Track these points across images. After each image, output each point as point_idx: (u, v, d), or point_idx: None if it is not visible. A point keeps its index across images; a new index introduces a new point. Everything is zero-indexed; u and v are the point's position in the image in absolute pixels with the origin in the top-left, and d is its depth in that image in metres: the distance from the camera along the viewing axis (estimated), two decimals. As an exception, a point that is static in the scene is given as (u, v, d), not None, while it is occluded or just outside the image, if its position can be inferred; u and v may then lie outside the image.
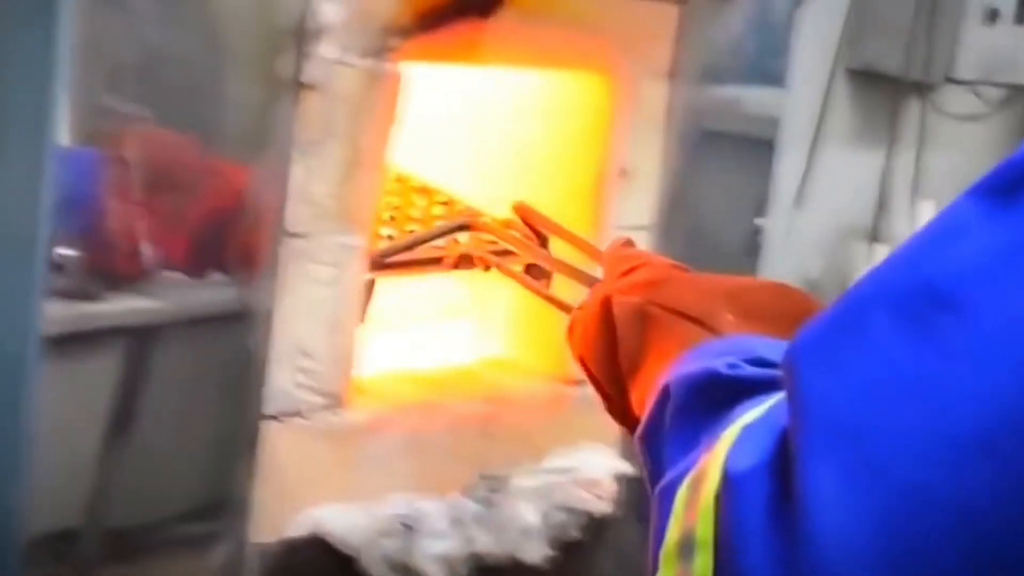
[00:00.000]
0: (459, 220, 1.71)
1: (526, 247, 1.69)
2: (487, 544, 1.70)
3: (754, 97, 2.10)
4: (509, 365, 1.88)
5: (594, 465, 1.84)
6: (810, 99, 3.29)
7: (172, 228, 1.41)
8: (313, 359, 1.55)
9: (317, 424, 1.58)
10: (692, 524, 0.71)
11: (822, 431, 0.63)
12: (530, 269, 1.74)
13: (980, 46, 3.31)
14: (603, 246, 1.70)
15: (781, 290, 1.09)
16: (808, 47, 3.20)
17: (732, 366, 0.83)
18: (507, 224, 1.71)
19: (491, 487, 1.74)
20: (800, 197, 3.13)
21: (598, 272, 1.24)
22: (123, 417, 1.38)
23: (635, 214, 1.87)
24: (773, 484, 0.65)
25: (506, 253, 1.76)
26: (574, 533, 1.80)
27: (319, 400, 1.57)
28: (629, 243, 1.30)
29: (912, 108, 3.48)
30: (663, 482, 0.77)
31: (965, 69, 3.57)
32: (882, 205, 3.57)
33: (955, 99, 3.74)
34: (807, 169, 3.20)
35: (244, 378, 1.48)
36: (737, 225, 1.96)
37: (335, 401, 1.58)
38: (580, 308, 1.28)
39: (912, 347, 0.61)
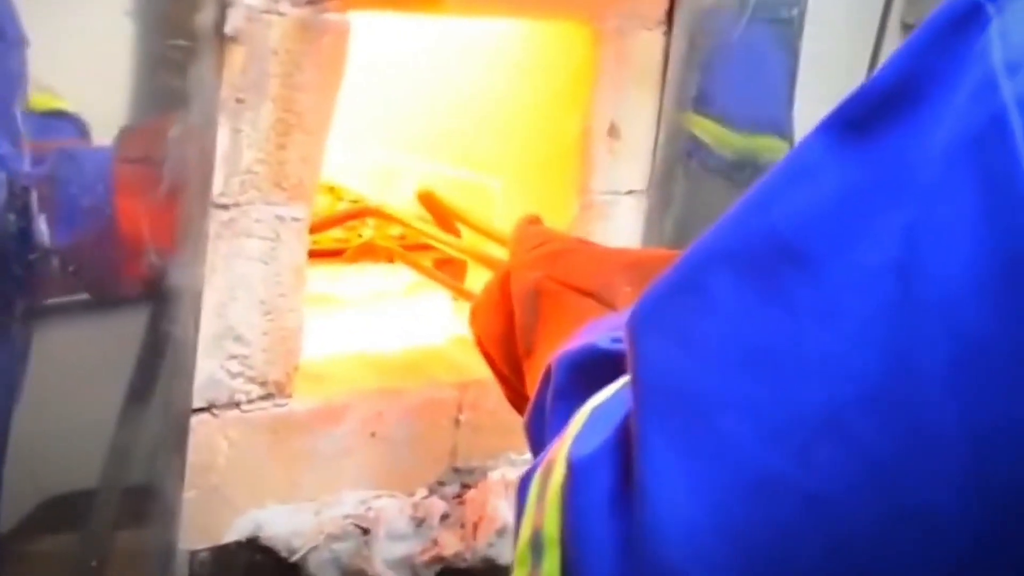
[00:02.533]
0: (362, 207, 1.58)
1: (433, 235, 1.56)
2: (456, 546, 1.54)
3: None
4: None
5: (584, 455, 1.68)
6: (852, 54, 3.11)
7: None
8: (248, 344, 1.39)
9: (256, 416, 1.42)
10: (541, 520, 0.66)
11: (661, 406, 0.57)
12: (442, 265, 1.60)
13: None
14: (586, 215, 1.57)
15: None
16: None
17: (616, 340, 0.75)
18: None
19: (465, 481, 1.58)
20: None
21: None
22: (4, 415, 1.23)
23: (625, 178, 1.69)
24: (615, 471, 0.60)
25: (417, 247, 1.63)
26: (558, 531, 1.64)
27: (256, 390, 1.41)
28: (536, 220, 1.19)
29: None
30: (522, 474, 0.72)
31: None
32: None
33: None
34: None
35: (168, 367, 1.32)
36: (743, 190, 1.78)
37: (275, 390, 1.42)
38: (484, 291, 1.19)
39: (758, 309, 0.55)
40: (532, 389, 0.90)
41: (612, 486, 0.60)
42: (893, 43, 3.21)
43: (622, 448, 0.60)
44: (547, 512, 0.65)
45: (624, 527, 0.58)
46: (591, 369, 0.75)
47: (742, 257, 0.57)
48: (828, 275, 0.53)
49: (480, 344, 1.18)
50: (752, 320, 0.55)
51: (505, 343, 1.08)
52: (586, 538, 0.61)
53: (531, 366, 1.00)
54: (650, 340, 0.60)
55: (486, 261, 1.57)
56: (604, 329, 0.80)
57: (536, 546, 0.66)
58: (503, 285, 1.11)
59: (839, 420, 0.51)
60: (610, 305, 0.94)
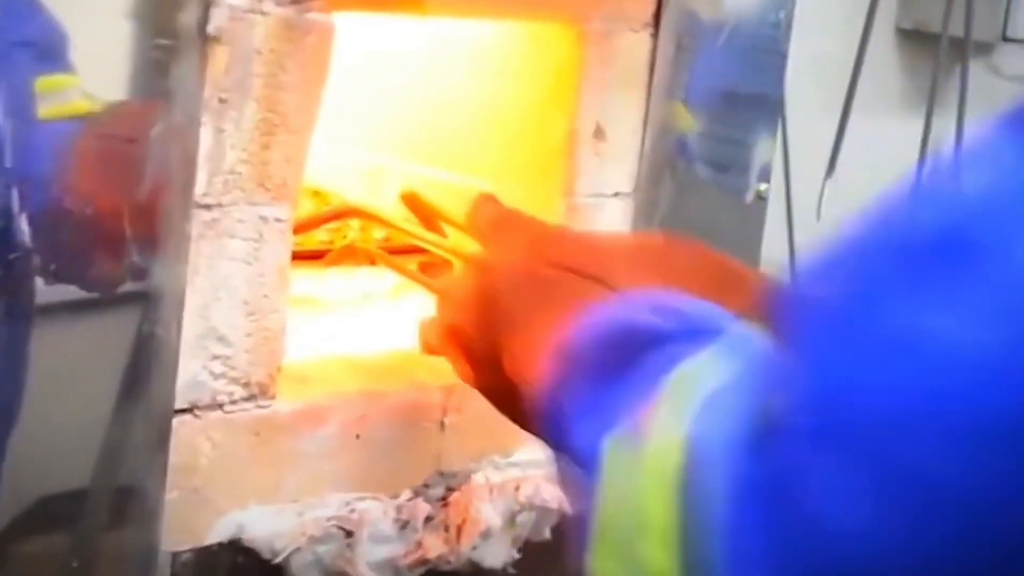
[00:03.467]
0: (344, 207, 1.58)
1: (417, 235, 1.56)
2: (440, 548, 1.53)
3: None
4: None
5: (569, 458, 1.67)
6: (838, 56, 3.11)
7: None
8: (231, 345, 1.39)
9: (239, 417, 1.41)
10: (637, 502, 0.64)
11: (832, 420, 0.55)
12: (427, 268, 1.60)
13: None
14: (572, 217, 1.55)
15: (690, 247, 1.03)
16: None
17: (655, 312, 0.77)
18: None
19: (449, 484, 1.57)
20: (832, 164, 2.95)
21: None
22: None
23: (612, 180, 1.69)
24: (762, 460, 0.58)
25: (401, 251, 1.63)
26: (544, 533, 1.63)
27: (239, 391, 1.40)
28: (493, 199, 1.18)
29: (965, 69, 3.30)
30: (574, 446, 0.71)
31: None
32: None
33: (1012, 60, 3.55)
34: (840, 134, 3.02)
35: (150, 368, 1.31)
36: (733, 191, 1.78)
37: (258, 391, 1.42)
38: (455, 278, 1.19)
39: (943, 312, 0.52)
40: (518, 365, 0.92)
41: (758, 476, 0.58)
42: (883, 45, 3.21)
43: (768, 437, 0.58)
44: (647, 494, 0.64)
45: (776, 522, 0.57)
46: (628, 344, 0.75)
47: (922, 252, 0.55)
48: (1008, 271, 0.51)
49: (446, 333, 1.17)
50: (936, 325, 0.53)
51: (481, 325, 1.06)
52: (728, 527, 0.59)
53: (516, 344, 0.98)
54: (813, 343, 0.58)
55: (468, 260, 1.57)
56: (628, 308, 0.80)
57: (627, 528, 0.64)
58: (481, 270, 1.11)
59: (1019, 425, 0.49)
60: (613, 288, 0.93)
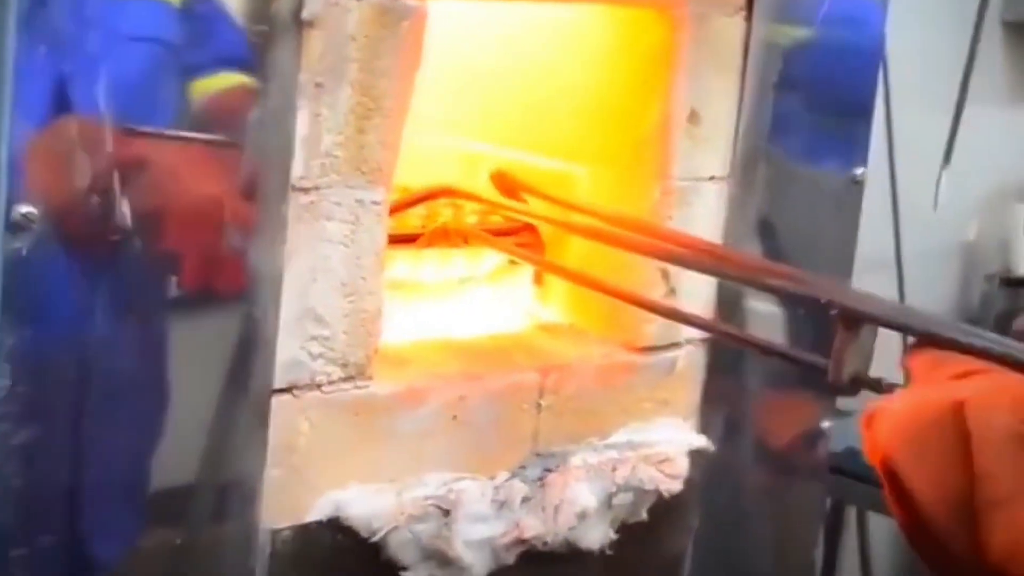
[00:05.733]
0: (436, 187, 1.59)
1: (510, 207, 1.56)
2: (537, 529, 1.55)
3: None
4: (567, 331, 1.72)
5: (666, 440, 1.68)
6: (943, 48, 3.09)
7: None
8: (328, 326, 1.41)
9: (338, 397, 1.44)
10: None
11: None
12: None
13: None
14: (667, 201, 1.55)
15: None
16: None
17: None
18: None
19: (546, 465, 1.58)
20: (948, 154, 2.93)
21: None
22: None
23: (707, 164, 1.70)
24: None
25: (495, 233, 1.64)
26: (640, 515, 1.64)
27: (337, 371, 1.43)
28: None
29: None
30: None
31: None
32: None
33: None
34: (955, 124, 2.99)
35: (250, 348, 1.34)
36: (829, 175, 1.78)
37: (356, 372, 1.44)
38: (893, 399, 1.07)
39: None
40: (1009, 544, 0.85)
41: None
42: (989, 38, 3.18)
43: None
44: None
45: None
46: None
47: None
48: None
49: (884, 462, 1.02)
50: None
51: (951, 483, 0.94)
52: None
53: (1008, 519, 0.90)
54: None
55: (565, 227, 1.59)
56: None
57: None
58: (953, 415, 0.98)
59: None
60: None
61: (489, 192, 1.68)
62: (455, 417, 1.52)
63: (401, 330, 1.55)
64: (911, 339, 1.15)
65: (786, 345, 1.59)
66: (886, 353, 1.31)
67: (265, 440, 1.38)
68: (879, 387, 1.23)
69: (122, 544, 1.31)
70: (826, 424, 1.89)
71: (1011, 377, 1.00)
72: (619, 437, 1.66)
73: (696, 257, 1.52)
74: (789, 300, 1.64)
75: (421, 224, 1.66)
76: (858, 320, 1.31)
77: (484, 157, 1.76)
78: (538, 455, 1.60)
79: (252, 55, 1.30)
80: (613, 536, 1.61)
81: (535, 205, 1.67)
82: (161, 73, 1.25)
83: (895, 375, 1.19)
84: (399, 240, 1.59)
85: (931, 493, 0.96)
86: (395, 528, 1.44)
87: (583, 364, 1.64)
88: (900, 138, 2.99)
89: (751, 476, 1.83)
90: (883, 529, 3.22)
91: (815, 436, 1.89)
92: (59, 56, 1.17)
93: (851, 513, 3.18)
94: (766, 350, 1.51)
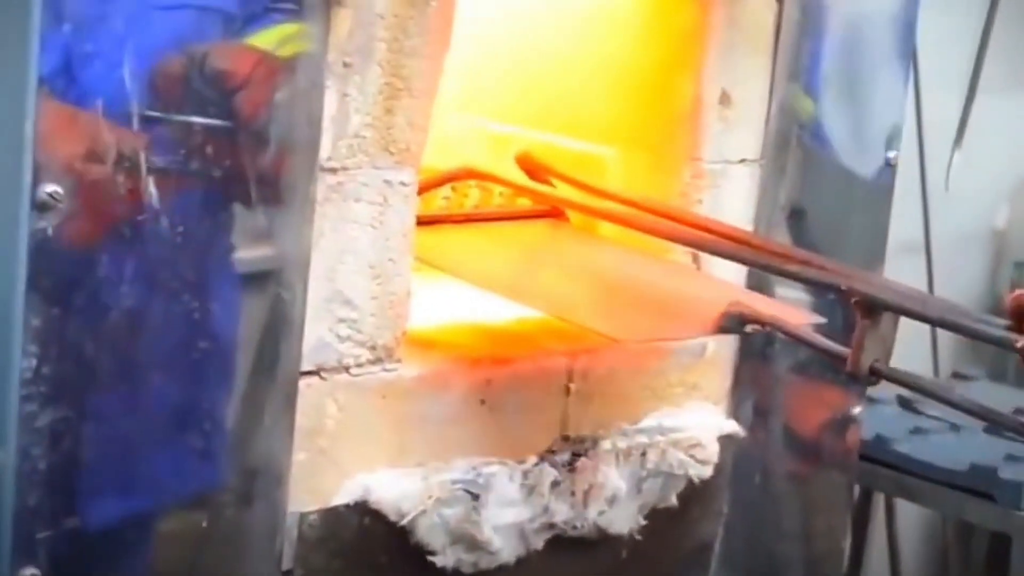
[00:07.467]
0: (459, 168, 1.57)
1: (532, 189, 1.55)
2: (566, 514, 1.53)
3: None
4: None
5: (697, 425, 1.67)
6: (967, 32, 3.06)
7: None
8: (356, 308, 1.40)
9: (365, 380, 1.42)
10: None
11: None
12: None
13: None
14: (697, 183, 1.54)
15: None
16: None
17: None
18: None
19: (576, 450, 1.57)
20: (960, 135, 2.91)
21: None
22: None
23: (738, 146, 1.68)
24: None
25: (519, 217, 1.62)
26: (670, 500, 1.63)
27: (365, 354, 1.41)
28: None
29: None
30: None
31: None
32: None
33: None
34: (968, 106, 2.97)
35: (278, 330, 1.32)
36: (864, 159, 1.76)
37: (384, 354, 1.43)
38: None
39: None
40: None
41: None
42: (1005, 20, 3.15)
43: None
44: None
45: None
46: None
47: None
48: None
49: None
50: None
51: None
52: None
53: None
54: None
55: (590, 211, 1.58)
56: None
57: None
58: None
59: None
60: None
61: (515, 174, 1.67)
62: (483, 401, 1.51)
63: (429, 313, 1.53)
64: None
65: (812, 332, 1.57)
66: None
67: (292, 423, 1.36)
68: (899, 379, 1.22)
69: (148, 526, 1.29)
70: (856, 410, 1.88)
71: None
72: (649, 422, 1.64)
73: (716, 242, 1.50)
74: (810, 287, 1.63)
75: (447, 207, 1.65)
76: (876, 308, 1.30)
77: (513, 138, 1.75)
78: (567, 439, 1.59)
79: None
80: (642, 522, 1.60)
81: (562, 188, 1.66)
82: (205, 36, 1.23)
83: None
84: (425, 222, 1.57)
85: None
86: (423, 512, 1.43)
87: (612, 348, 1.62)
88: (927, 121, 2.97)
89: (780, 462, 1.81)
90: (911, 516, 3.20)
91: (845, 423, 1.88)
92: (84, 34, 1.16)
93: (879, 500, 3.16)
94: (791, 335, 1.50)
